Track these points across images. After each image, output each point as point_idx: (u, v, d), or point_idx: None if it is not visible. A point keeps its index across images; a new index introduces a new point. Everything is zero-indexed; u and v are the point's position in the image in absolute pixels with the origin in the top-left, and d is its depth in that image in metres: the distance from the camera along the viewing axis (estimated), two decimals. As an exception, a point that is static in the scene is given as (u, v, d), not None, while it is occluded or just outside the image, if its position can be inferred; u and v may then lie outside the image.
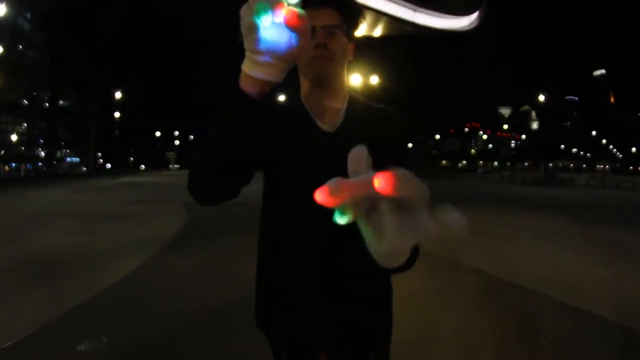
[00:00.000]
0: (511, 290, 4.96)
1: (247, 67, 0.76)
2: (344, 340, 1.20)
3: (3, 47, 39.83)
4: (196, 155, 0.93)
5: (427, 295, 4.73)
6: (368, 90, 32.44)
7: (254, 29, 0.67)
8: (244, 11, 0.66)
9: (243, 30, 0.69)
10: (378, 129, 1.18)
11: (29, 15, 47.80)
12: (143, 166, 75.80)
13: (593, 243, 7.83)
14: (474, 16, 37.56)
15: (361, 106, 1.24)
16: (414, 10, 31.21)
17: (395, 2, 29.45)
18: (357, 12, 1.24)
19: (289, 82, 1.03)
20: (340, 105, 1.22)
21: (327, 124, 1.19)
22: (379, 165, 0.86)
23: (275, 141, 1.17)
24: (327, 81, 1.19)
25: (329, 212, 0.51)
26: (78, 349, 3.27)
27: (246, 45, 0.72)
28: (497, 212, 13.23)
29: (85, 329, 3.65)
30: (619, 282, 5.28)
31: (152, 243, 7.30)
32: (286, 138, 1.17)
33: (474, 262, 6.16)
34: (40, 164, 52.65)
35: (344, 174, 0.89)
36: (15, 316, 3.93)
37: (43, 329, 3.64)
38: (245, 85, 0.80)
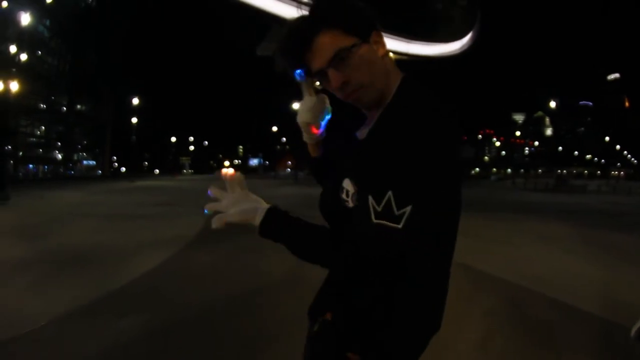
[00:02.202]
0: (509, 287, 5.33)
1: (308, 139, 1.27)
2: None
3: (26, 54, 40.85)
4: None
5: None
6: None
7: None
8: (305, 117, 1.19)
9: (306, 126, 1.21)
10: (392, 141, 0.90)
11: (48, 23, 48.73)
12: (157, 171, 76.59)
13: (593, 246, 8.11)
14: (465, 39, 38.10)
15: (402, 104, 0.98)
16: (407, 42, 32.34)
17: (389, 37, 30.69)
18: (355, 13, 1.01)
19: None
20: (382, 105, 1.03)
21: (365, 130, 1.06)
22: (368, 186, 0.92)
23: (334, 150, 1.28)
24: (372, 105, 1.05)
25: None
26: (117, 325, 3.74)
27: (307, 133, 1.24)
28: (504, 218, 13.51)
29: (122, 310, 4.15)
30: (611, 282, 5.58)
31: (176, 240, 7.74)
32: (338, 147, 1.25)
33: (476, 263, 6.48)
34: (52, 166, 53.67)
35: (362, 182, 0.96)
36: (53, 300, 4.40)
37: (83, 308, 4.16)
38: (312, 149, 1.30)
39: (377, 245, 0.88)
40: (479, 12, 38.90)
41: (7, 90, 26.62)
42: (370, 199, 0.88)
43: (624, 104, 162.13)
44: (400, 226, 0.84)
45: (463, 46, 37.83)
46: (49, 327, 3.66)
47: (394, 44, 31.03)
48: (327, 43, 0.98)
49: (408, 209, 0.84)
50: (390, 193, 0.86)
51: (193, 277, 5.56)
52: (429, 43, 34.32)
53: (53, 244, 7.43)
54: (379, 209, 0.86)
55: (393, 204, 0.85)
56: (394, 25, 31.58)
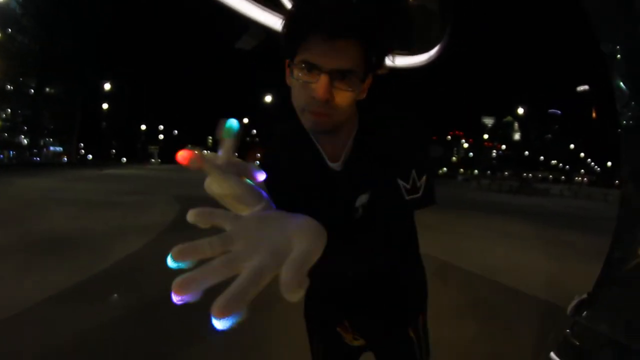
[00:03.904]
0: (466, 275, 5.86)
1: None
2: (368, 310, 1.24)
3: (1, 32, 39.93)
4: None
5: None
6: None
7: None
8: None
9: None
10: (389, 153, 1.02)
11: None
12: (125, 159, 75.45)
13: (547, 243, 8.61)
14: (433, 51, 38.57)
15: (372, 128, 1.05)
16: None
17: None
18: (388, 46, 0.96)
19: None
20: (347, 137, 1.04)
21: (337, 160, 1.05)
22: (393, 186, 0.99)
23: (291, 183, 1.06)
24: (325, 133, 0.99)
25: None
26: (101, 306, 4.03)
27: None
28: (466, 215, 14.08)
29: (105, 292, 4.44)
30: (559, 273, 6.11)
31: (152, 227, 7.95)
32: (299, 181, 1.07)
33: (437, 253, 6.93)
34: (17, 151, 52.49)
35: (352, 213, 1.04)
36: (39, 283, 4.59)
37: (66, 291, 4.37)
38: None
39: (408, 217, 1.11)
40: (449, 25, 39.42)
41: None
42: (401, 182, 0.99)
43: (592, 114, 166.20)
44: (420, 194, 1.00)
45: (430, 57, 38.34)
46: (33, 310, 3.82)
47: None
48: (354, 51, 0.88)
49: (424, 178, 1.01)
50: (413, 171, 1.00)
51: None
52: (397, 55, 35.13)
53: (31, 229, 7.53)
54: (409, 187, 1.00)
55: (416, 178, 1.00)
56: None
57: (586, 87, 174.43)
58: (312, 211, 0.78)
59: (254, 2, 23.26)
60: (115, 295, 4.39)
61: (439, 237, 8.24)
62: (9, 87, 49.30)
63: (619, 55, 2.53)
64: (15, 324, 3.55)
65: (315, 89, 0.86)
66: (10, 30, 46.33)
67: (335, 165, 1.04)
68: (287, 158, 1.10)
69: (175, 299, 0.54)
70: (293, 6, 0.91)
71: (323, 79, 0.85)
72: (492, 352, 3.47)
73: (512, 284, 5.36)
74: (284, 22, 0.91)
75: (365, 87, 0.97)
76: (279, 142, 1.15)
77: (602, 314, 2.28)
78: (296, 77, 0.90)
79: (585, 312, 2.36)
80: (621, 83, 2.52)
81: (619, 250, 2.43)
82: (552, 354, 2.24)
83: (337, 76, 0.87)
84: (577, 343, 2.28)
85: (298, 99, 0.93)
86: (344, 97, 0.89)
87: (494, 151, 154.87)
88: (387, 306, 1.26)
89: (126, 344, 3.29)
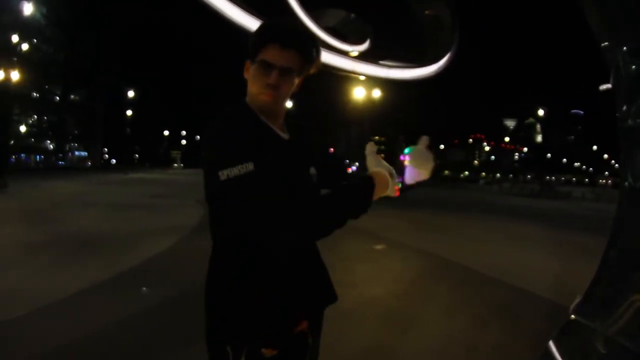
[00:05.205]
0: (474, 274, 6.06)
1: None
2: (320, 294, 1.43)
3: (26, 42, 41.00)
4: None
5: (418, 280, 5.76)
6: (371, 103, 35.44)
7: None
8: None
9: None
10: (311, 138, 1.59)
11: (45, 11, 48.63)
12: (147, 163, 76.32)
13: (558, 245, 8.76)
14: (441, 62, 38.44)
15: (288, 122, 1.45)
16: (388, 68, 33.65)
17: (371, 64, 31.71)
18: (317, 56, 1.40)
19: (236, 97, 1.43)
20: (281, 120, 1.41)
21: (283, 134, 1.40)
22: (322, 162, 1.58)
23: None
24: (269, 113, 1.34)
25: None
26: (134, 298, 4.30)
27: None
28: (485, 218, 14.24)
29: (137, 285, 4.76)
30: (567, 274, 6.25)
31: (179, 229, 8.25)
32: (259, 148, 1.19)
33: (448, 254, 7.18)
34: (43, 156, 53.69)
35: (307, 172, 1.47)
36: (74, 276, 4.92)
37: (100, 285, 4.68)
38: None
39: None
40: (457, 34, 39.01)
41: (7, 79, 26.79)
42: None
43: (615, 114, 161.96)
44: None
45: (439, 68, 38.14)
46: (69, 300, 4.12)
47: (376, 71, 32.62)
48: (295, 57, 1.31)
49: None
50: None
51: (199, 259, 6.07)
52: (407, 68, 35.34)
53: (62, 229, 7.91)
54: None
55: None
56: (378, 54, 33.37)
57: (609, 85, 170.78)
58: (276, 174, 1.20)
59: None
60: (146, 288, 4.67)
61: (452, 240, 8.49)
62: (34, 94, 50.49)
63: (621, 56, 2.64)
64: (52, 312, 3.84)
65: (270, 78, 1.27)
66: (35, 40, 47.45)
67: (285, 136, 1.41)
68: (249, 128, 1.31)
69: None
70: (260, 25, 1.37)
71: (275, 73, 1.27)
72: (500, 351, 3.64)
73: (517, 283, 5.56)
74: (253, 35, 1.34)
75: (299, 83, 1.39)
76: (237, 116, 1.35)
77: (597, 311, 2.43)
78: (257, 70, 1.30)
79: (581, 309, 2.50)
80: (623, 85, 2.63)
81: (614, 250, 2.58)
82: (550, 343, 2.39)
83: (283, 72, 1.28)
84: (574, 339, 2.44)
85: (256, 85, 1.32)
86: (286, 87, 1.32)
87: (516, 154, 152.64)
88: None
89: (158, 332, 3.56)
